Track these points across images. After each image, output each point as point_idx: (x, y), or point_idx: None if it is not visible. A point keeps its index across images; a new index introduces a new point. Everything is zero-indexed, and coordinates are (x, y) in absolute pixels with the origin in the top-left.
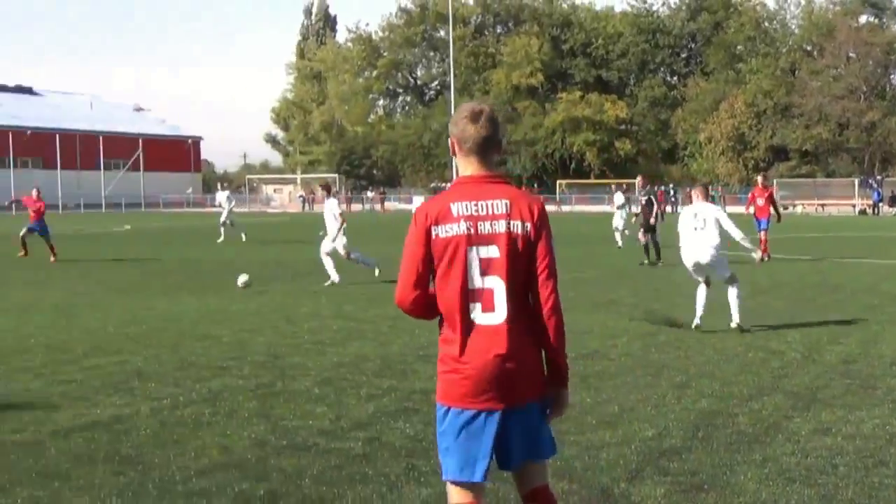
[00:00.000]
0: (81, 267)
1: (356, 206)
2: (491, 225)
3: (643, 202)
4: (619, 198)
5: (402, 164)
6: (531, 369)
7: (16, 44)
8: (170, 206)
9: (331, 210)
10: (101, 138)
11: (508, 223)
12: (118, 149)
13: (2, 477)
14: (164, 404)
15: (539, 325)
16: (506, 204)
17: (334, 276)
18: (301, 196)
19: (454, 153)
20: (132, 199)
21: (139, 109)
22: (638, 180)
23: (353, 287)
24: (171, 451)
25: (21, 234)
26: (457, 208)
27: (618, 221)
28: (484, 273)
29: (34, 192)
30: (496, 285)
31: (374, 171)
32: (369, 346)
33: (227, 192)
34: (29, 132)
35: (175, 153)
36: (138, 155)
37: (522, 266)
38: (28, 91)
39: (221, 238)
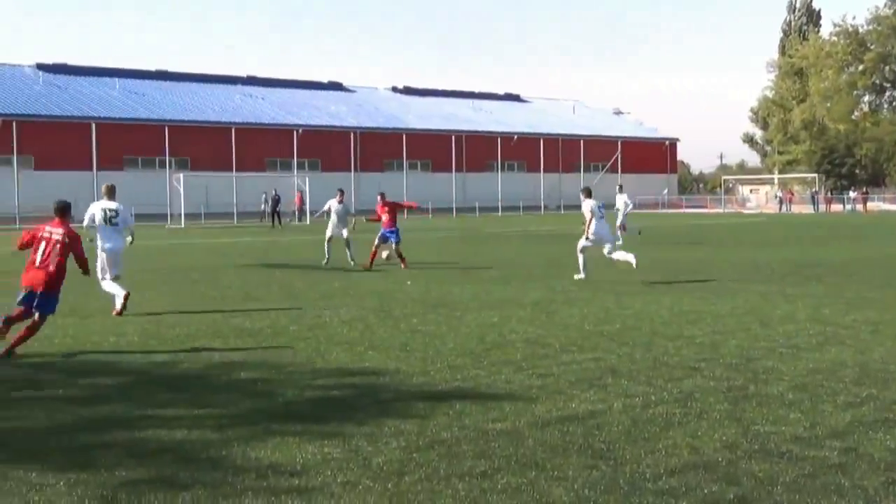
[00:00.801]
0: (561, 266)
1: (837, 207)
2: None
3: None
4: None
5: (887, 163)
6: None
7: (508, 55)
8: (645, 206)
9: None
10: (581, 142)
11: None
12: (598, 152)
13: (484, 463)
14: (636, 402)
15: None
16: None
17: None
18: (778, 196)
19: None
20: (610, 200)
21: (618, 113)
22: None
23: (828, 292)
24: (641, 448)
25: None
26: None
27: None
28: None
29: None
30: None
31: (857, 171)
32: (848, 353)
33: (624, 196)
34: (515, 137)
35: (652, 155)
36: (616, 157)
37: None
38: (516, 98)
39: (620, 241)
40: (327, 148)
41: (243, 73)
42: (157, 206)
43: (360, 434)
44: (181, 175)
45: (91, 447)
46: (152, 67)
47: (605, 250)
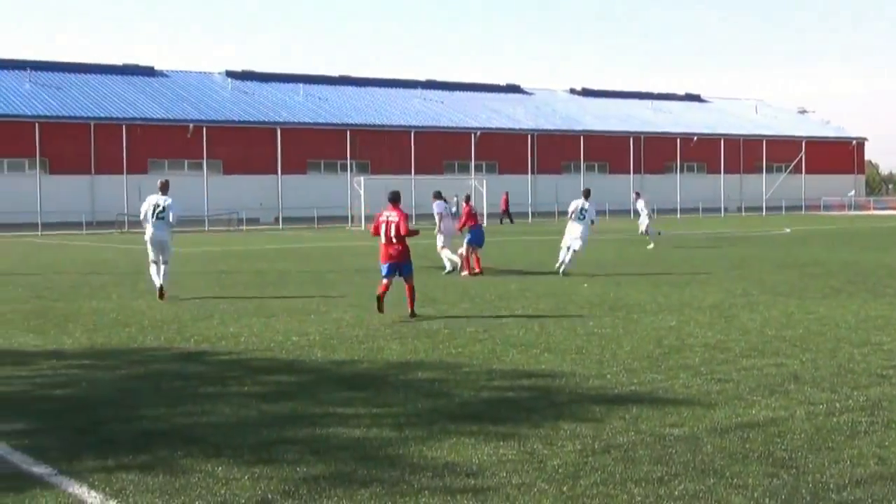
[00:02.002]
0: (741, 268)
1: None
2: None
3: None
4: None
5: None
6: None
7: (688, 55)
8: (830, 208)
9: None
10: (764, 142)
11: None
12: (780, 152)
13: (661, 469)
14: (819, 409)
15: None
16: None
17: None
18: None
19: None
20: (792, 202)
21: (803, 112)
22: None
23: None
24: (825, 457)
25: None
26: None
27: None
28: None
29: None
30: None
31: None
32: None
33: (642, 202)
34: (695, 138)
35: (838, 155)
36: (800, 157)
37: None
38: (696, 98)
39: (651, 245)
40: (504, 150)
41: (422, 77)
42: (338, 209)
43: (536, 436)
44: (362, 178)
45: (274, 443)
46: (335, 73)
47: (575, 247)
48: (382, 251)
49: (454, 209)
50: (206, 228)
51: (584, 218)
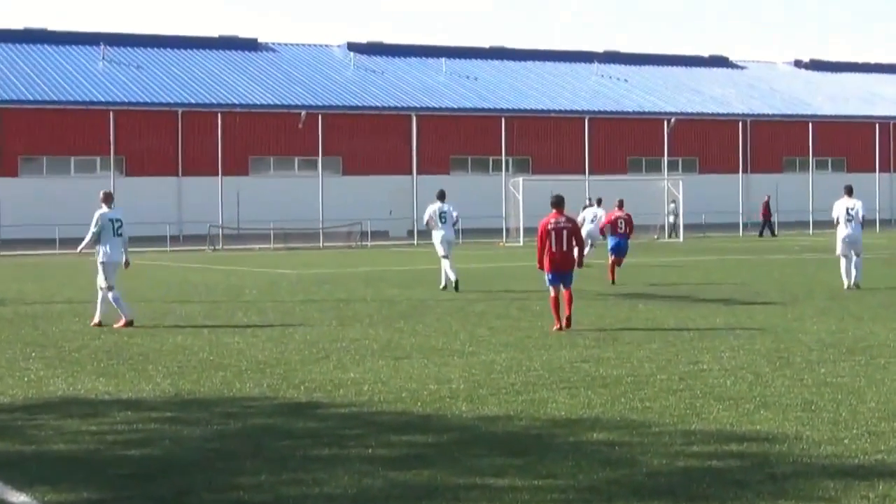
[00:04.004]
0: None
1: None
2: None
3: None
4: None
5: None
6: None
7: None
8: None
9: None
10: None
11: None
12: None
13: None
14: None
15: None
16: None
17: None
18: None
19: None
20: None
21: None
22: None
23: None
24: None
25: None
26: None
27: None
28: None
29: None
30: None
31: None
32: None
33: (594, 209)
34: None
35: None
36: None
37: None
38: None
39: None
40: (707, 142)
41: (600, 49)
42: (489, 219)
43: None
44: (520, 179)
45: None
46: (486, 44)
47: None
48: (550, 259)
49: (455, 213)
50: (322, 244)
51: (853, 220)
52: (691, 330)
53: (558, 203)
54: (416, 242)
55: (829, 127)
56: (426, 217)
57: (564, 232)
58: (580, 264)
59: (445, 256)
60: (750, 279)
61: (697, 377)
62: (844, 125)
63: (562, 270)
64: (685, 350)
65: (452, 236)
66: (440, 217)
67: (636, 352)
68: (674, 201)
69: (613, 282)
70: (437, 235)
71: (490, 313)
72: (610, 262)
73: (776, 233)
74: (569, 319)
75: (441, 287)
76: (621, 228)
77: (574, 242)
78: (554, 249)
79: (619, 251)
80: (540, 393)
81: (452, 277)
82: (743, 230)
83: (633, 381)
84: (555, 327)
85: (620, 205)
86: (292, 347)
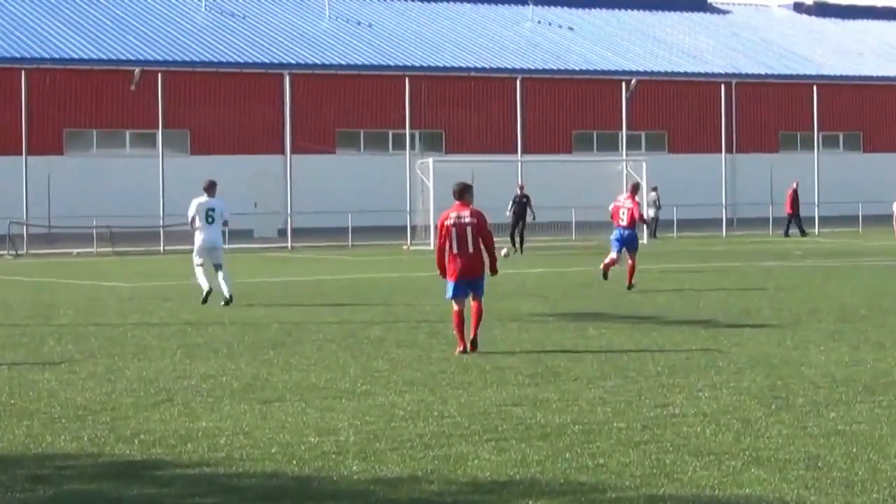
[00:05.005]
0: None
1: None
2: None
3: None
4: None
5: None
6: None
7: None
8: None
9: None
10: None
11: None
12: None
13: None
14: None
15: None
16: None
17: None
18: None
19: None
20: None
21: None
22: None
23: None
24: None
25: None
26: None
27: None
28: None
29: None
30: None
31: None
32: None
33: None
34: None
35: None
36: None
37: None
38: None
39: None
40: (678, 111)
41: None
42: (391, 213)
43: None
44: (430, 160)
45: None
46: None
47: None
48: (451, 265)
49: (227, 212)
50: (163, 248)
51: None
52: (659, 362)
53: (462, 193)
54: (290, 245)
55: (840, 91)
56: (190, 214)
57: (468, 229)
58: (493, 270)
59: (201, 265)
60: (737, 294)
61: (667, 425)
62: (859, 88)
63: (467, 278)
64: (650, 389)
65: (219, 240)
66: (206, 216)
67: (585, 391)
68: (655, 189)
69: (605, 276)
70: (198, 238)
71: (389, 340)
72: (609, 259)
73: (805, 231)
74: (474, 342)
75: (202, 301)
76: (622, 220)
77: (481, 242)
78: (455, 251)
79: (625, 245)
80: (457, 447)
81: (227, 291)
82: (727, 228)
83: (582, 431)
84: (458, 349)
85: (634, 190)
86: (122, 387)
